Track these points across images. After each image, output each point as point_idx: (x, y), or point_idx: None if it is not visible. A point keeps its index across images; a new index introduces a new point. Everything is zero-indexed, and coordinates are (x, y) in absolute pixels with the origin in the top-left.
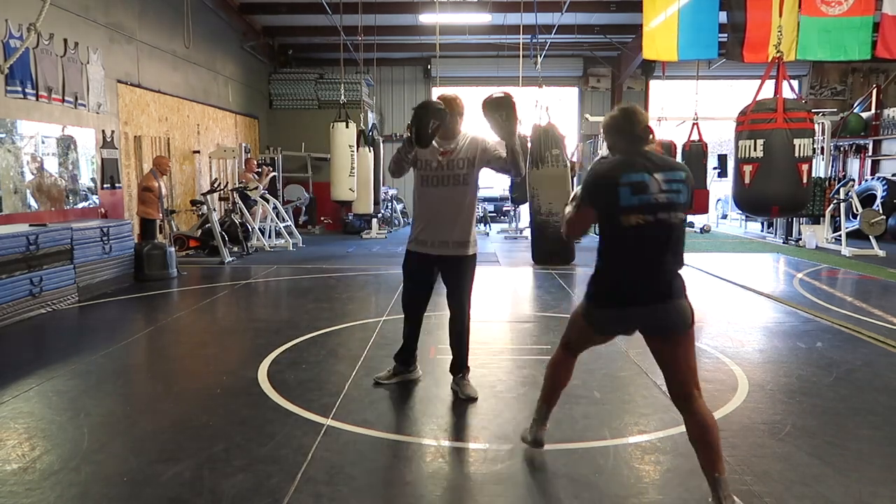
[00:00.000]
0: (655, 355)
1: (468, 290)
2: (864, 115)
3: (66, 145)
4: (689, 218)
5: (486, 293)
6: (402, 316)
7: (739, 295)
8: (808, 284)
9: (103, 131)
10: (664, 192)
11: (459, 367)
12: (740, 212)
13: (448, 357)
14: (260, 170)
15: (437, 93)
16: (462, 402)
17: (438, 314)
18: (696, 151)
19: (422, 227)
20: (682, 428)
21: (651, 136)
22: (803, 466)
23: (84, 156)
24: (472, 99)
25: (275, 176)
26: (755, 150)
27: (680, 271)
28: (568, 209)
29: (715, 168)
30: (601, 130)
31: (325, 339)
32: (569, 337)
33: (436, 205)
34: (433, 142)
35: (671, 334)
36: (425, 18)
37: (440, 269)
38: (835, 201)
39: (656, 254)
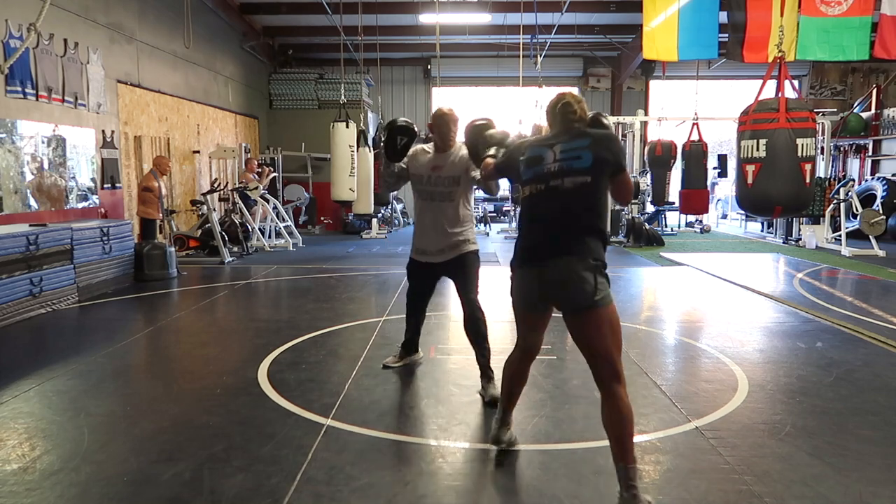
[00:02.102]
0: (571, 333)
1: (475, 283)
2: (864, 115)
3: (66, 145)
4: (690, 218)
5: (486, 293)
6: (403, 316)
7: (739, 295)
8: (808, 284)
9: (103, 131)
10: (557, 161)
11: (482, 367)
12: (742, 211)
13: (448, 357)
14: (260, 170)
15: (437, 93)
16: (462, 402)
17: (438, 314)
18: (696, 151)
19: (419, 237)
20: (683, 428)
21: (576, 115)
22: (803, 466)
23: (84, 156)
24: (472, 99)
25: (275, 176)
26: (758, 149)
27: (587, 234)
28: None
29: (715, 168)
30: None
31: (325, 339)
32: (518, 332)
33: (429, 218)
34: (428, 154)
35: (577, 307)
36: (425, 18)
37: (445, 273)
38: (835, 201)
39: (553, 217)
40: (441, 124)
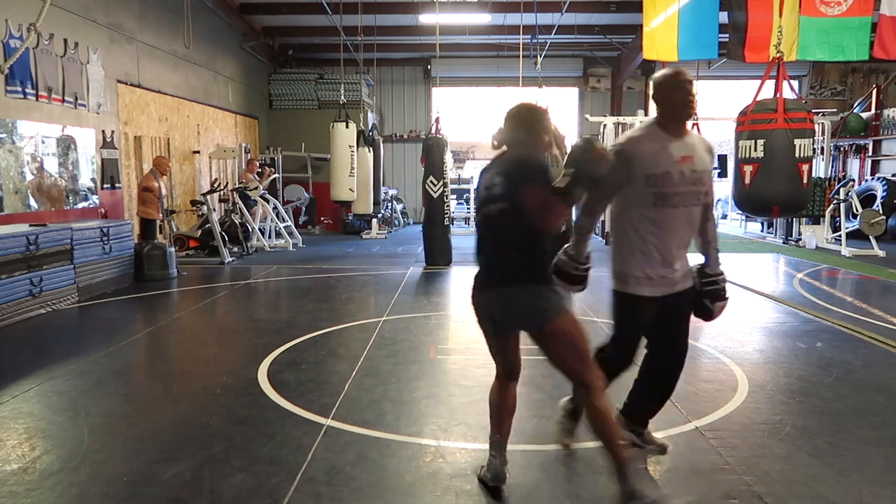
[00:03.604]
0: None
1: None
2: (864, 115)
3: (66, 145)
4: None
5: None
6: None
7: (739, 295)
8: (808, 284)
9: (103, 131)
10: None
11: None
12: (740, 212)
13: (448, 357)
14: (261, 170)
15: (437, 93)
16: (462, 402)
17: (438, 314)
18: None
19: (646, 258)
20: (683, 428)
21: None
22: (803, 466)
23: (84, 156)
24: (472, 99)
25: (276, 177)
26: (755, 150)
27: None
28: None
29: (715, 168)
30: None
31: (325, 340)
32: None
33: (677, 229)
34: (660, 140)
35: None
36: (425, 19)
37: (669, 309)
38: (835, 201)
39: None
40: (677, 92)
